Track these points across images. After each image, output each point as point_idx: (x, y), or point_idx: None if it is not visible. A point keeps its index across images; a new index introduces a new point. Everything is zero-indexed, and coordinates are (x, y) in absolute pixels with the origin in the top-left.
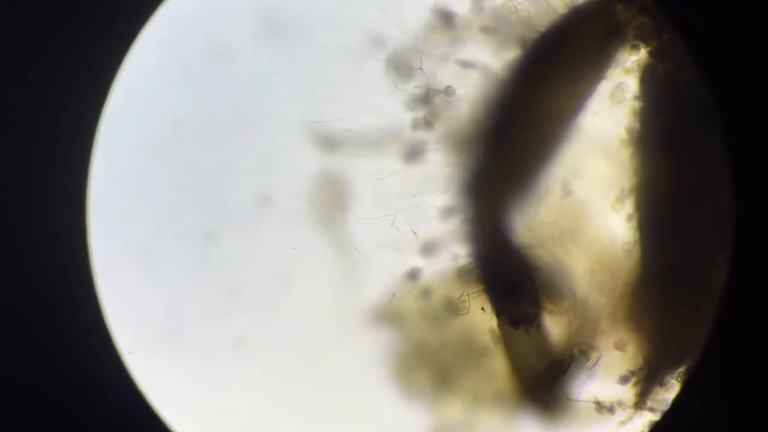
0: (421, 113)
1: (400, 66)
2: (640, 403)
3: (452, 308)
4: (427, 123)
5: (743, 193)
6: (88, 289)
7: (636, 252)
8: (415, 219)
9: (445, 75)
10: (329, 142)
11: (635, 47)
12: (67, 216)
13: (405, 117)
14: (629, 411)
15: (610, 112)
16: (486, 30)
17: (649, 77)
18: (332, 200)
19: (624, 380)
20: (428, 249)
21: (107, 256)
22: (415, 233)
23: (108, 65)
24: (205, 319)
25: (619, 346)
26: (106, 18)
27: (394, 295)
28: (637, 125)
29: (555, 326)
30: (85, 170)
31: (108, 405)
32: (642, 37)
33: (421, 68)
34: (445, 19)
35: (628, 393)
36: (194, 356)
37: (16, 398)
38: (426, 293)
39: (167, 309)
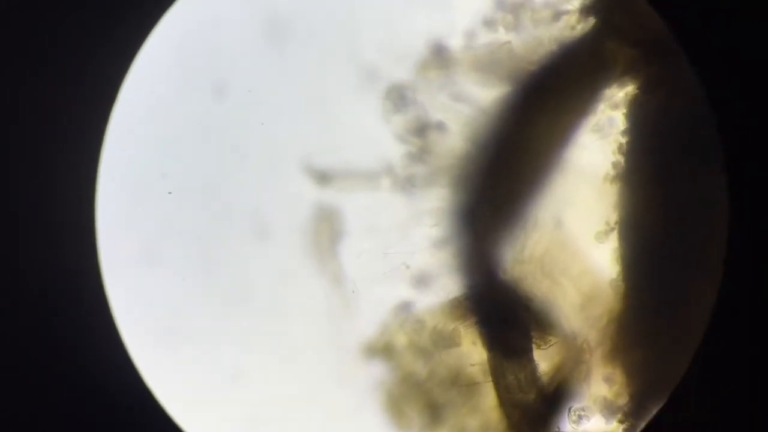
0: (413, 146)
1: (394, 99)
2: None
3: (443, 340)
4: (420, 156)
5: (740, 205)
6: (96, 288)
7: (622, 286)
8: (407, 251)
9: (438, 109)
10: (323, 176)
11: (623, 82)
12: (75, 216)
13: (398, 150)
14: None
15: (598, 146)
16: (477, 65)
17: (637, 112)
18: (325, 233)
19: (611, 413)
20: (420, 281)
21: (115, 255)
22: (406, 266)
23: (117, 67)
24: (211, 317)
25: (607, 380)
26: (115, 21)
27: (385, 326)
28: (624, 160)
29: (544, 359)
30: (93, 170)
31: (115, 403)
32: (630, 72)
33: (414, 102)
34: (438, 54)
35: (614, 426)
36: (201, 354)
37: (23, 396)
38: (417, 325)
39: (175, 307)
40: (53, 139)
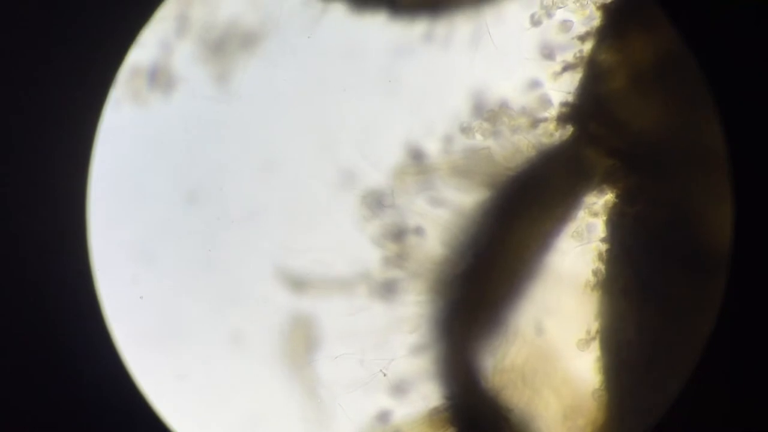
0: (390, 251)
1: (372, 204)
2: None
3: None
4: (398, 261)
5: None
6: (88, 288)
7: (603, 396)
8: (384, 358)
9: (415, 214)
10: (297, 281)
11: (602, 189)
12: (67, 215)
13: (375, 255)
14: None
15: (578, 252)
16: (455, 170)
17: (615, 220)
18: (300, 339)
19: None
20: (398, 389)
21: (107, 255)
22: (384, 373)
23: (109, 65)
24: (204, 318)
25: None
26: (108, 17)
27: None
28: (604, 268)
29: None
30: (85, 170)
31: (107, 404)
32: (609, 180)
33: (391, 207)
34: (416, 158)
35: None
36: (193, 355)
37: (15, 397)
38: None
39: (166, 308)
40: (45, 141)
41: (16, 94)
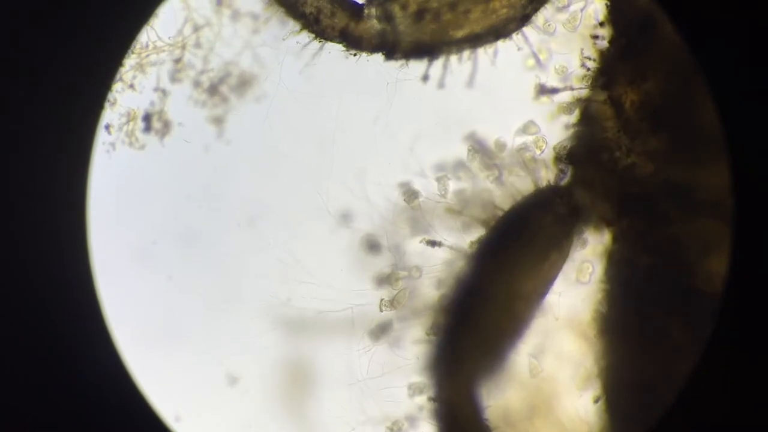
0: (388, 292)
1: (368, 245)
2: None
3: None
4: (395, 302)
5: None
6: (89, 289)
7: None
8: (383, 399)
9: (413, 254)
10: (295, 325)
11: (598, 231)
12: (67, 216)
13: (373, 296)
14: None
15: (575, 292)
16: (451, 211)
17: (612, 261)
18: (297, 385)
19: None
20: (397, 430)
21: (107, 255)
22: (384, 415)
23: (108, 66)
24: (203, 318)
25: None
26: (107, 18)
27: None
28: (601, 308)
29: None
30: (85, 170)
31: (107, 404)
32: (605, 222)
33: (388, 247)
34: (412, 199)
35: None
36: (193, 355)
37: (15, 397)
38: None
39: (166, 308)
40: (45, 141)
41: (16, 93)
